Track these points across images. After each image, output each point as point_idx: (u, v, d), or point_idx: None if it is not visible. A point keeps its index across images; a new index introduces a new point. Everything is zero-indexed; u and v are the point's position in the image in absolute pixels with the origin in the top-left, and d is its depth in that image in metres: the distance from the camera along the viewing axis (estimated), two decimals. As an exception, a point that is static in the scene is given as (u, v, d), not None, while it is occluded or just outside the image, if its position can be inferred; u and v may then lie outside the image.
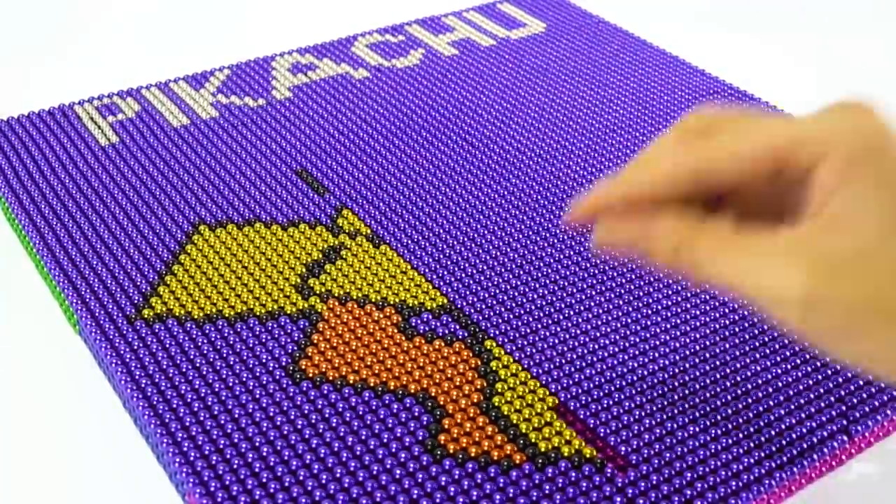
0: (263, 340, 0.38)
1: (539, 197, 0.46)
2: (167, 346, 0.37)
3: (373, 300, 0.40)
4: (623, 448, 0.33)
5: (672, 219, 0.29)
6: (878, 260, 0.26)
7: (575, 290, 0.41)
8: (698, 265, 0.29)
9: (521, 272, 0.42)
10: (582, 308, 0.40)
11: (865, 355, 0.27)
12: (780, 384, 0.36)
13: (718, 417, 0.35)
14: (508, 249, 0.43)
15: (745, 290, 0.28)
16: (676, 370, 0.37)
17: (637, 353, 0.37)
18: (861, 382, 0.36)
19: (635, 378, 0.36)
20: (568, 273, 0.42)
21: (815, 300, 0.26)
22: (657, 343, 0.38)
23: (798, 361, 0.37)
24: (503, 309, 0.39)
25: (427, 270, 0.42)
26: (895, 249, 0.26)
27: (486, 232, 0.44)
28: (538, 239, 0.44)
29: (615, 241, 0.31)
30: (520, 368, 0.37)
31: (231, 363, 0.37)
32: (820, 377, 0.37)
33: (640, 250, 0.30)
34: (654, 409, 0.35)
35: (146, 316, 0.39)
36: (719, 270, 0.28)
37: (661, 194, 0.29)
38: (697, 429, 0.34)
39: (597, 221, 0.31)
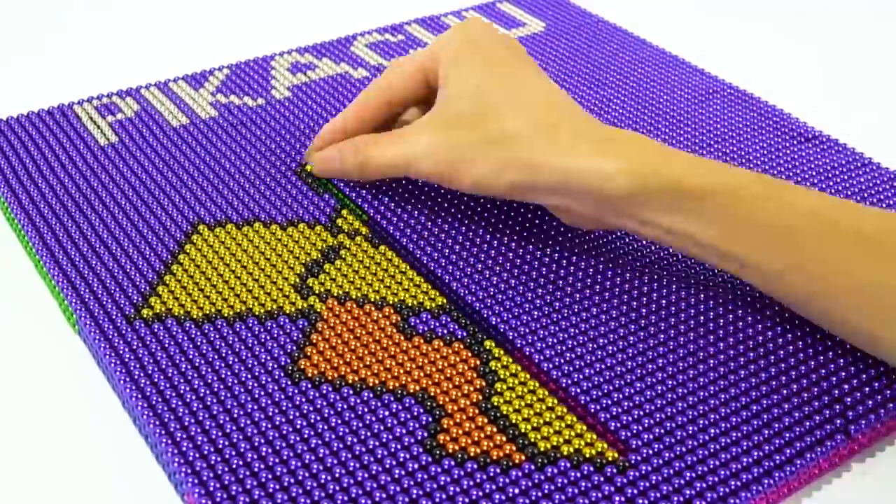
0: (262, 340, 0.38)
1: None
2: (166, 345, 0.37)
3: (372, 300, 0.40)
4: (621, 447, 0.33)
5: (352, 139, 0.45)
6: (474, 111, 0.40)
7: (575, 290, 0.41)
8: (368, 159, 0.44)
9: (521, 271, 0.42)
10: (581, 308, 0.40)
11: (483, 176, 0.40)
12: (778, 384, 0.36)
13: (717, 417, 0.35)
14: (508, 249, 0.43)
15: (400, 163, 0.43)
16: (675, 370, 0.37)
17: (636, 352, 0.37)
18: (860, 382, 0.36)
19: (634, 378, 0.36)
20: (568, 272, 0.42)
21: (438, 145, 0.41)
22: (656, 343, 0.38)
23: (797, 361, 0.37)
24: (503, 309, 0.39)
25: (426, 270, 0.41)
26: (481, 100, 0.40)
27: (485, 232, 0.44)
28: (538, 238, 0.44)
29: (322, 166, 0.47)
30: (519, 369, 0.37)
31: (230, 363, 0.37)
32: (818, 376, 0.37)
33: (339, 168, 0.46)
34: (653, 408, 0.35)
35: (145, 316, 0.39)
36: (385, 157, 0.43)
37: (365, 118, 0.45)
38: (696, 428, 0.34)
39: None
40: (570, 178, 0.38)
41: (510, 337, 0.38)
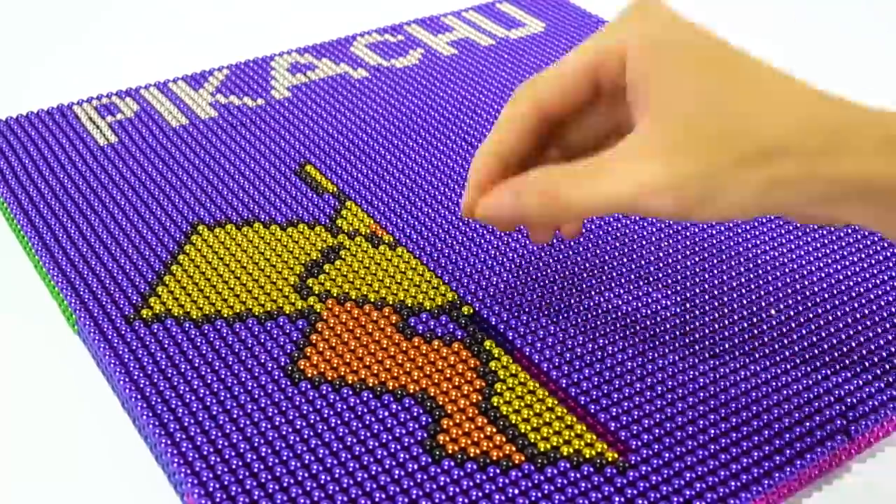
0: (262, 341, 0.38)
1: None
2: (166, 346, 0.37)
3: (371, 300, 0.40)
4: (621, 448, 0.33)
5: (529, 176, 0.32)
6: (707, 124, 0.29)
7: (574, 290, 0.41)
8: (567, 203, 0.31)
9: (521, 271, 0.42)
10: (581, 308, 0.40)
11: (742, 203, 0.30)
12: (779, 384, 0.36)
13: (717, 418, 0.35)
14: (507, 248, 0.43)
15: (622, 202, 0.30)
16: (675, 370, 0.37)
17: (636, 353, 0.37)
18: (860, 382, 0.36)
19: (633, 378, 0.36)
20: (567, 273, 0.42)
21: (680, 178, 0.29)
22: (657, 343, 0.38)
23: (797, 361, 0.37)
24: (502, 308, 0.39)
25: (426, 270, 0.41)
26: (710, 109, 0.30)
27: (485, 232, 0.44)
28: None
29: (496, 215, 0.34)
30: (519, 368, 0.37)
31: (230, 363, 0.36)
32: (819, 377, 0.37)
33: (518, 217, 0.33)
34: (653, 409, 0.35)
35: (145, 316, 0.39)
36: (590, 198, 0.31)
37: (513, 142, 0.33)
38: (696, 429, 0.34)
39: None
40: (865, 184, 0.30)
41: (510, 337, 0.38)
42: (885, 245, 0.44)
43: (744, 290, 0.41)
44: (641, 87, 0.31)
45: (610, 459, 0.33)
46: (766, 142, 0.29)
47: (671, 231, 0.44)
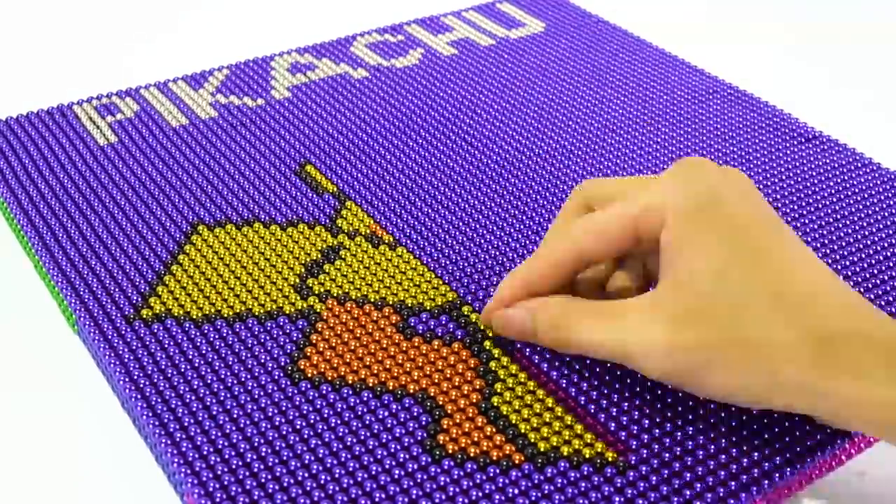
0: (262, 341, 0.38)
1: (538, 196, 0.46)
2: (166, 346, 0.37)
3: (371, 300, 0.40)
4: (621, 448, 0.33)
5: (549, 301, 0.35)
6: (716, 304, 0.31)
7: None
8: (571, 340, 0.34)
9: (521, 272, 0.41)
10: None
11: (725, 387, 0.31)
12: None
13: (717, 418, 0.35)
14: (507, 248, 0.43)
15: (616, 352, 0.33)
16: (675, 370, 0.37)
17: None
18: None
19: (633, 378, 0.36)
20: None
21: (674, 347, 0.31)
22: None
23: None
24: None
25: (426, 270, 0.41)
26: (726, 288, 0.31)
27: (485, 232, 0.44)
28: (537, 238, 0.44)
29: (507, 327, 0.37)
30: (519, 369, 0.37)
31: (230, 363, 0.36)
32: (819, 377, 0.37)
33: (528, 335, 0.36)
34: (653, 409, 0.35)
35: (145, 316, 0.39)
36: (592, 341, 0.33)
37: (545, 277, 0.36)
38: (696, 429, 0.34)
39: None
40: (862, 411, 0.30)
41: (510, 337, 0.38)
42: (886, 245, 0.44)
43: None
44: (668, 254, 0.33)
45: (610, 459, 0.33)
46: (766, 337, 0.30)
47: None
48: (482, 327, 0.38)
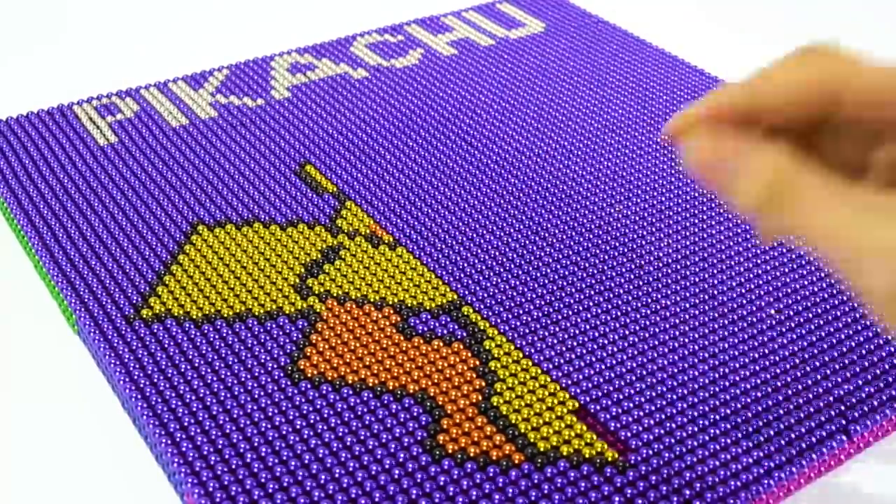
0: (262, 341, 0.38)
1: (538, 196, 0.46)
2: (166, 346, 0.37)
3: (371, 300, 0.40)
4: (621, 447, 0.33)
5: (776, 151, 0.24)
6: None
7: (574, 290, 0.41)
8: (796, 216, 0.23)
9: (521, 271, 0.42)
10: (581, 308, 0.40)
11: None
12: (778, 384, 0.36)
13: (717, 417, 0.35)
14: (507, 248, 0.43)
15: (840, 262, 0.23)
16: (675, 370, 0.37)
17: (636, 352, 0.37)
18: (860, 382, 0.36)
19: (634, 378, 0.36)
20: (567, 272, 0.42)
21: None
22: (656, 343, 0.38)
23: (796, 361, 0.37)
24: (503, 309, 0.39)
25: (426, 270, 0.41)
26: None
27: (484, 232, 0.44)
28: (537, 238, 0.44)
29: (706, 161, 0.25)
30: (519, 369, 0.37)
31: (230, 363, 0.36)
32: (819, 377, 0.37)
33: (730, 182, 0.24)
34: (653, 409, 0.35)
35: (145, 316, 0.39)
36: (819, 231, 0.23)
37: (782, 109, 0.25)
38: (696, 429, 0.34)
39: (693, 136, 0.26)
40: None
41: (510, 337, 0.38)
42: None
43: (744, 290, 0.41)
44: None
45: (610, 459, 0.33)
46: None
47: (671, 231, 0.44)
48: (665, 132, 0.26)
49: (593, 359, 0.37)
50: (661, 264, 0.42)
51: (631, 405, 0.35)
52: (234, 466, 0.32)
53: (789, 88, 0.25)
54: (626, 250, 0.43)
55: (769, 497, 0.33)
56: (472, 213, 0.45)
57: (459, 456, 0.33)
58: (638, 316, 0.39)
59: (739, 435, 0.34)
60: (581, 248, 0.43)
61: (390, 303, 0.40)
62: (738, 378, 0.36)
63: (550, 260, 0.42)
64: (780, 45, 0.65)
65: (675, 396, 0.35)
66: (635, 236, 0.44)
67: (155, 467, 0.34)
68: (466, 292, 0.40)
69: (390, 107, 0.54)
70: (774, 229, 0.25)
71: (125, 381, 0.36)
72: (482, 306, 0.39)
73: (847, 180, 0.23)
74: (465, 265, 0.42)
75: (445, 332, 0.38)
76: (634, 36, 0.62)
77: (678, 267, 0.42)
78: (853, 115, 0.25)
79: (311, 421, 0.34)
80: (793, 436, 0.34)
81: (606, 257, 0.42)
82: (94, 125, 0.52)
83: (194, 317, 0.39)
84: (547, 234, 0.44)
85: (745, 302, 0.40)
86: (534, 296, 0.40)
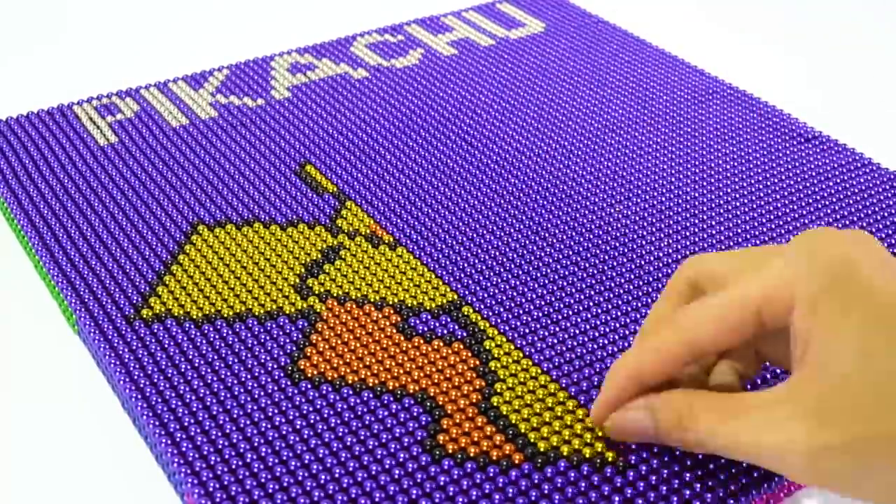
0: (262, 341, 0.38)
1: (538, 196, 0.46)
2: (166, 346, 0.37)
3: (371, 300, 0.40)
4: (620, 448, 0.33)
5: (671, 398, 0.31)
6: (863, 393, 0.27)
7: (574, 290, 0.41)
8: (701, 438, 0.30)
9: (521, 271, 0.42)
10: (581, 308, 0.40)
11: (878, 492, 0.27)
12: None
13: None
14: (507, 248, 0.43)
15: (751, 455, 0.28)
16: (675, 370, 0.37)
17: (636, 353, 0.37)
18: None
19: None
20: (567, 272, 0.42)
21: (818, 448, 0.27)
22: (656, 343, 0.38)
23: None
24: (503, 309, 0.39)
25: (426, 270, 0.41)
26: (873, 374, 0.27)
27: (484, 231, 0.44)
28: (537, 238, 0.44)
29: (624, 429, 0.32)
30: (519, 369, 0.37)
31: (230, 363, 0.37)
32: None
33: (650, 435, 0.31)
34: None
35: (145, 316, 0.39)
36: (726, 443, 0.29)
37: (657, 370, 0.31)
38: (696, 429, 0.34)
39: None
40: None
41: (510, 337, 0.38)
42: (885, 245, 0.44)
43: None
44: (802, 340, 0.28)
45: (609, 459, 0.33)
46: None
47: (671, 231, 0.44)
48: (591, 424, 0.34)
49: (593, 359, 0.37)
50: (661, 264, 0.42)
51: (631, 405, 0.35)
52: (234, 466, 0.32)
53: (659, 365, 0.31)
54: (626, 250, 0.43)
55: (770, 497, 0.33)
56: (472, 213, 0.45)
57: (459, 456, 0.33)
58: (638, 316, 0.39)
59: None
60: (581, 248, 0.43)
61: (390, 303, 0.40)
62: (737, 378, 0.36)
63: (550, 260, 0.42)
64: (779, 45, 0.65)
65: (675, 396, 0.35)
66: (635, 236, 0.44)
67: (155, 467, 0.34)
68: (466, 292, 0.40)
69: (390, 107, 0.54)
70: (676, 443, 0.31)
71: (125, 381, 0.36)
72: (482, 306, 0.40)
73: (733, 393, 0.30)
74: (465, 265, 0.42)
75: (445, 332, 0.38)
76: (634, 36, 0.62)
77: (677, 267, 0.42)
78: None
79: (311, 421, 0.34)
80: (793, 436, 0.34)
81: (606, 257, 0.42)
82: (95, 125, 0.52)
83: (194, 317, 0.39)
84: (547, 234, 0.44)
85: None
86: (534, 296, 0.40)
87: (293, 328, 0.38)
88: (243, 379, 0.36)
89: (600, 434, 0.33)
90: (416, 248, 0.43)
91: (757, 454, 0.28)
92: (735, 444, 0.29)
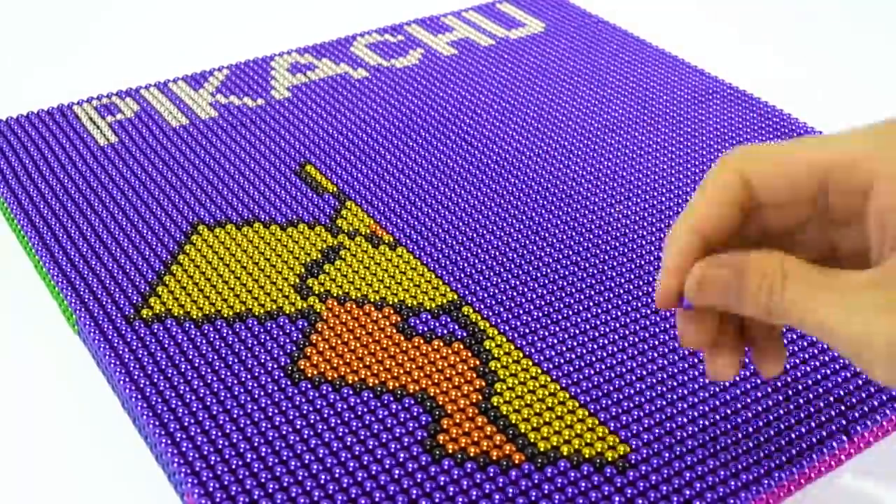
0: (262, 341, 0.38)
1: (538, 196, 0.46)
2: (166, 346, 0.37)
3: (371, 300, 0.40)
4: (622, 448, 0.33)
5: (761, 257, 0.27)
6: None
7: (574, 290, 0.41)
8: (788, 308, 0.27)
9: (521, 271, 0.42)
10: (581, 308, 0.40)
11: None
12: (778, 384, 0.36)
13: (717, 417, 0.35)
14: (507, 248, 0.43)
15: (830, 339, 0.26)
16: (675, 370, 0.37)
17: (636, 352, 0.37)
18: (860, 382, 0.36)
19: (633, 378, 0.36)
20: (567, 272, 0.42)
21: None
22: (656, 343, 0.38)
23: (797, 361, 0.37)
24: (503, 309, 0.39)
25: (426, 270, 0.41)
26: None
27: (484, 231, 0.44)
28: (537, 238, 0.44)
29: (710, 291, 0.28)
30: (519, 369, 0.37)
31: (230, 363, 0.36)
32: (819, 377, 0.37)
33: (732, 301, 0.28)
34: (653, 408, 0.35)
35: (145, 316, 0.39)
36: (812, 315, 0.26)
37: (716, 217, 0.28)
38: (696, 428, 0.34)
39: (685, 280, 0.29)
40: None
41: (510, 337, 0.38)
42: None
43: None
44: (891, 225, 0.26)
45: (610, 459, 0.33)
46: None
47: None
48: (659, 307, 0.30)
49: (593, 359, 0.37)
50: (660, 264, 0.42)
51: (631, 405, 0.35)
52: (234, 466, 0.32)
53: (714, 201, 0.28)
54: (626, 250, 0.43)
55: (769, 497, 0.33)
56: (472, 213, 0.45)
57: (459, 456, 0.33)
58: (638, 316, 0.39)
59: (739, 435, 0.34)
60: (581, 248, 0.43)
61: (390, 303, 0.40)
62: (738, 378, 0.36)
63: (550, 260, 0.42)
64: (779, 45, 0.64)
65: (675, 396, 0.35)
66: (635, 236, 0.44)
67: (155, 467, 0.34)
68: (466, 292, 0.40)
69: (390, 107, 0.54)
70: (758, 311, 0.27)
71: (125, 380, 0.36)
72: (482, 306, 0.40)
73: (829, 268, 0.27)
74: (465, 265, 0.42)
75: (445, 331, 0.38)
76: (634, 36, 0.62)
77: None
78: (775, 211, 0.29)
79: (311, 421, 0.34)
80: (793, 436, 0.34)
81: (606, 257, 0.42)
82: (95, 125, 0.52)
83: (194, 317, 0.39)
84: (547, 234, 0.44)
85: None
86: (534, 296, 0.40)
87: (293, 328, 0.38)
88: (243, 379, 0.36)
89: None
90: (416, 247, 0.43)
91: (836, 340, 0.26)
92: (818, 323, 0.26)
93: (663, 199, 0.46)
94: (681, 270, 0.29)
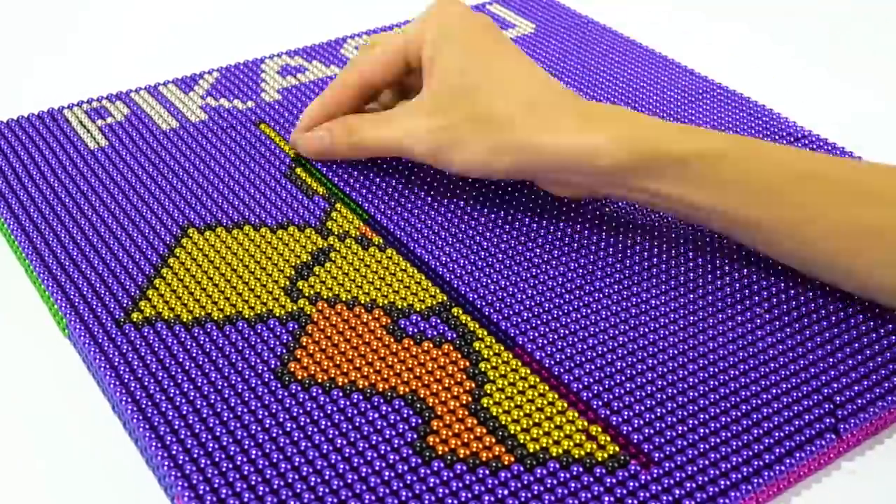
0: (252, 343, 0.38)
1: (530, 196, 0.46)
2: (156, 349, 0.37)
3: (362, 302, 0.40)
4: (611, 448, 0.34)
5: (347, 117, 0.47)
6: (460, 93, 0.42)
7: (564, 291, 0.41)
8: (362, 139, 0.46)
9: (511, 273, 0.42)
10: (571, 309, 0.40)
11: (464, 161, 0.43)
12: (767, 382, 0.36)
13: (706, 416, 0.35)
14: (497, 250, 0.43)
15: (394, 144, 0.45)
16: (664, 369, 0.37)
17: (626, 353, 0.37)
18: (849, 380, 0.37)
19: (623, 378, 0.36)
20: (557, 274, 0.42)
21: (432, 128, 0.43)
22: (646, 343, 0.38)
23: (786, 360, 0.37)
24: (492, 310, 0.39)
25: (415, 272, 0.42)
26: (467, 82, 0.42)
27: (474, 233, 0.44)
28: (527, 240, 0.44)
29: (311, 146, 0.48)
30: (508, 370, 0.37)
31: (220, 366, 0.37)
32: (808, 375, 0.37)
33: (327, 146, 0.47)
34: (642, 409, 0.35)
35: (135, 319, 0.39)
36: (377, 137, 0.46)
37: (339, 100, 0.47)
38: (685, 428, 0.34)
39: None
40: (562, 155, 0.40)
41: (500, 338, 0.38)
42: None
43: (735, 289, 0.41)
44: (428, 67, 0.44)
45: (599, 460, 0.33)
46: (495, 111, 0.41)
47: (671, 230, 0.44)
48: (289, 146, 0.49)
49: (583, 359, 0.37)
50: (651, 265, 0.42)
51: (620, 405, 0.35)
52: (224, 469, 0.32)
53: (338, 92, 0.47)
54: (615, 251, 0.43)
55: (759, 495, 0.33)
56: (463, 216, 0.45)
57: (449, 457, 0.33)
58: (628, 316, 0.39)
59: (729, 434, 0.34)
60: (571, 250, 0.43)
61: (380, 305, 0.40)
62: (727, 377, 0.36)
63: (540, 262, 0.42)
64: (769, 45, 0.65)
65: (664, 396, 0.36)
66: (624, 237, 0.44)
67: (145, 471, 0.34)
68: (456, 294, 0.40)
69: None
70: (346, 150, 0.47)
71: (115, 384, 0.35)
72: (472, 308, 0.40)
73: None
74: (455, 267, 0.42)
75: (435, 333, 0.38)
76: (624, 36, 0.62)
77: (667, 267, 0.42)
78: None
79: (302, 423, 0.34)
80: (782, 434, 0.34)
81: (597, 258, 0.43)
82: (85, 129, 0.52)
83: (184, 320, 0.39)
84: (537, 236, 0.44)
85: (736, 300, 0.40)
86: (524, 297, 0.40)
87: (283, 330, 0.38)
88: (233, 382, 0.36)
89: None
90: (405, 249, 0.43)
91: (398, 143, 0.45)
92: (385, 139, 0.45)
93: (653, 199, 0.46)
94: (305, 130, 0.48)
